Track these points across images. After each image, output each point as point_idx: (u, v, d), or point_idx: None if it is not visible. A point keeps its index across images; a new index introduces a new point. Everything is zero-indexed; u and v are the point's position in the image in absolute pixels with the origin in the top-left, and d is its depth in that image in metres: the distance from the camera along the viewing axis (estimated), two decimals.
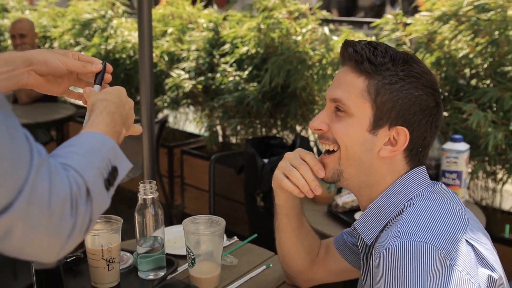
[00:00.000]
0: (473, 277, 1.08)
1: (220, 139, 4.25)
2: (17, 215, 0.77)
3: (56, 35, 5.27)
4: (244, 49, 3.74)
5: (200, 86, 3.96)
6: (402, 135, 1.22)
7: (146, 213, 1.66)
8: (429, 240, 1.08)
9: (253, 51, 3.71)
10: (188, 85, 3.93)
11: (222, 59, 3.93)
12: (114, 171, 0.96)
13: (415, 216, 1.16)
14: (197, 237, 1.60)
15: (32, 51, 1.23)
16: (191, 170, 4.30)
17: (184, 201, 4.39)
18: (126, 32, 4.59)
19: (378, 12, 13.34)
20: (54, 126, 4.77)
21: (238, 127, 3.91)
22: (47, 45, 5.51)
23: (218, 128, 4.16)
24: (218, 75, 3.83)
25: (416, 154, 1.26)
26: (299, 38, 3.46)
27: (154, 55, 4.11)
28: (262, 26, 3.64)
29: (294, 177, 1.36)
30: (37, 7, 6.10)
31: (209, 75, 3.95)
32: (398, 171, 1.26)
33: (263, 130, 3.88)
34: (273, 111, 3.75)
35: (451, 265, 1.07)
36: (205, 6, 4.51)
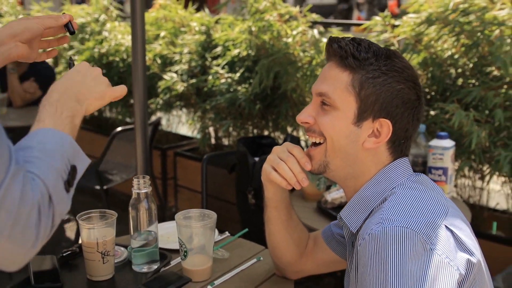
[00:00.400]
0: (452, 261, 1.14)
1: (213, 141, 4.30)
2: None
3: None
4: (235, 52, 3.80)
5: (192, 88, 4.02)
6: (385, 127, 1.28)
7: (140, 207, 1.71)
8: (410, 225, 1.14)
9: (245, 53, 3.77)
10: (180, 87, 3.99)
11: (214, 62, 3.98)
12: (73, 171, 1.00)
13: (397, 203, 1.22)
14: (190, 230, 1.65)
15: (10, 23, 1.30)
16: (184, 172, 4.35)
17: (178, 203, 4.43)
18: (120, 35, 4.64)
19: (346, 15, 13.72)
20: None
21: (230, 129, 3.96)
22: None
23: (211, 129, 4.21)
24: (210, 77, 3.89)
25: (399, 146, 1.32)
26: (290, 40, 3.53)
27: (147, 58, 4.17)
28: (253, 28, 3.71)
29: (281, 169, 1.41)
30: (31, 11, 6.13)
31: (202, 77, 4.00)
32: (382, 162, 1.32)
33: (255, 131, 3.93)
34: (264, 112, 3.80)
35: (431, 249, 1.12)
36: (197, 10, 4.57)
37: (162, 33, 4.35)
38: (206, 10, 4.46)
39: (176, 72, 4.13)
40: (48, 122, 1.03)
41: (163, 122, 4.90)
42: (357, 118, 1.29)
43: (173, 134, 4.88)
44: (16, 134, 4.56)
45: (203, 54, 4.09)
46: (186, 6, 4.59)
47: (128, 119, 4.93)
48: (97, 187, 3.77)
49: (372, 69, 1.27)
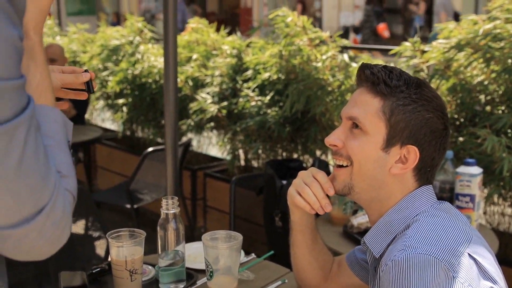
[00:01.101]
0: None
1: (242, 162, 4.35)
2: (35, 227, 0.87)
3: (85, 60, 5.45)
4: (266, 75, 3.85)
5: (224, 111, 4.08)
6: (413, 153, 1.31)
7: (168, 227, 1.75)
8: (433, 252, 1.15)
9: (275, 77, 3.82)
10: (213, 109, 4.05)
11: (245, 85, 4.04)
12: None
13: (420, 230, 1.23)
14: (216, 251, 1.68)
15: None
16: (214, 193, 4.39)
17: (206, 223, 4.47)
18: (153, 57, 4.75)
19: (343, 37, 13.85)
20: (81, 147, 4.91)
21: (260, 151, 4.00)
22: None
23: (241, 151, 4.26)
24: (240, 100, 3.95)
25: (424, 173, 1.34)
26: (319, 64, 3.56)
27: (179, 80, 4.25)
28: (283, 52, 3.76)
29: (305, 194, 1.44)
30: (68, 33, 6.31)
31: (232, 100, 4.06)
32: (407, 188, 1.34)
33: (284, 154, 3.97)
34: (293, 136, 3.84)
35: (453, 277, 1.13)
36: (229, 33, 4.65)
37: (194, 56, 4.44)
38: (238, 33, 4.54)
39: (208, 94, 4.20)
40: (50, 96, 1.04)
41: (194, 143, 4.96)
42: (386, 144, 1.31)
43: (203, 155, 4.94)
44: None
45: (234, 77, 4.16)
46: (218, 30, 4.67)
47: (159, 140, 5.01)
48: (128, 205, 3.83)
49: (403, 96, 1.30)
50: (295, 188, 1.48)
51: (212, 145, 4.88)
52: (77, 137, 4.44)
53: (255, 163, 4.29)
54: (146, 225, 4.38)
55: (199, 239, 3.98)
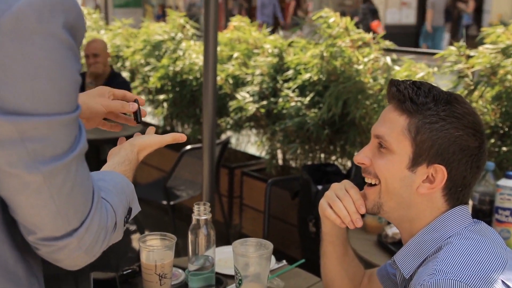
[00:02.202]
0: None
1: (281, 162, 4.33)
2: (76, 239, 0.96)
3: (128, 55, 5.51)
4: (306, 76, 3.82)
5: (263, 110, 4.06)
6: (440, 173, 1.26)
7: (199, 233, 1.74)
8: (463, 279, 1.11)
9: (316, 78, 3.78)
10: (252, 108, 4.04)
11: (285, 85, 4.01)
12: (129, 212, 1.14)
13: (451, 254, 1.19)
14: (245, 259, 1.67)
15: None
16: (250, 192, 4.39)
17: (242, 222, 4.47)
18: (194, 54, 4.76)
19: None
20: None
21: (298, 152, 3.97)
22: (119, 63, 5.77)
23: (279, 151, 4.24)
24: (280, 100, 3.92)
25: (455, 193, 1.29)
26: (361, 67, 3.51)
27: (219, 78, 4.26)
28: (325, 54, 3.71)
29: (337, 207, 1.41)
30: (112, 27, 6.39)
31: (272, 99, 4.04)
32: (437, 208, 1.30)
33: (322, 156, 3.93)
34: (332, 138, 3.80)
35: None
36: (271, 32, 4.63)
37: (235, 54, 4.43)
38: (280, 32, 4.51)
39: (247, 92, 4.19)
40: (118, 169, 1.19)
41: (233, 140, 4.97)
42: (412, 163, 1.27)
43: (242, 153, 4.94)
44: (90, 146, 4.74)
45: (275, 76, 4.13)
46: (261, 27, 4.65)
47: (199, 136, 5.03)
48: (164, 202, 3.86)
49: (430, 114, 1.25)
50: (326, 200, 1.45)
51: (251, 143, 4.87)
52: (117, 132, 4.48)
53: (293, 164, 4.27)
54: (182, 220, 4.42)
55: (234, 236, 4.02)
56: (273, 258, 2.02)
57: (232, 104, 4.18)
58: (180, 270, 1.89)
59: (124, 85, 4.82)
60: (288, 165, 4.29)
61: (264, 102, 4.05)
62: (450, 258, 1.17)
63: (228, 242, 4.02)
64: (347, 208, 1.40)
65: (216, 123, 3.05)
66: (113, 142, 4.58)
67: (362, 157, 1.35)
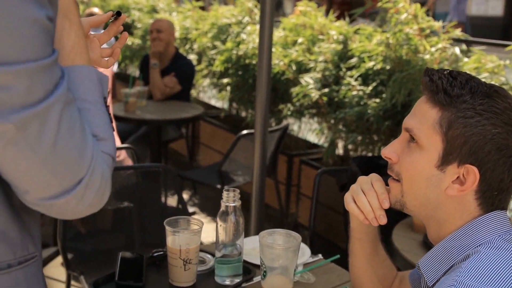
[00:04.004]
0: None
1: (342, 152, 4.21)
2: (76, 196, 0.94)
3: (195, 37, 5.51)
4: (370, 64, 3.67)
5: (325, 98, 3.95)
6: (472, 174, 1.13)
7: (227, 220, 1.69)
8: None
9: (379, 66, 3.63)
10: (314, 95, 3.93)
11: (348, 73, 3.88)
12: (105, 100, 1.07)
13: (476, 265, 1.06)
14: (271, 251, 1.60)
15: None
16: (308, 181, 4.29)
17: (298, 210, 4.39)
18: (258, 39, 4.68)
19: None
20: (184, 123, 4.99)
21: (358, 142, 3.84)
22: (187, 46, 5.78)
23: (339, 141, 4.12)
24: (342, 88, 3.80)
25: (490, 197, 1.15)
26: (427, 56, 3.34)
27: (282, 63, 4.17)
28: (391, 41, 3.56)
29: (360, 202, 1.31)
30: (182, 9, 6.42)
31: (334, 87, 3.92)
32: (469, 212, 1.17)
33: (382, 147, 3.78)
34: (393, 130, 3.64)
35: None
36: (338, 18, 4.49)
37: (300, 40, 4.33)
38: (347, 18, 4.37)
39: (310, 78, 4.09)
40: (85, 57, 1.05)
41: (295, 127, 4.88)
42: (442, 161, 1.15)
43: (303, 140, 4.85)
44: (152, 126, 4.76)
45: (339, 64, 4.01)
46: (327, 13, 4.53)
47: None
48: (218, 186, 3.84)
49: (465, 107, 1.12)
50: (351, 193, 1.35)
51: (312, 131, 4.77)
52: (178, 113, 4.51)
53: (354, 154, 4.14)
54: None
55: (289, 225, 3.95)
56: (308, 251, 1.95)
57: (295, 90, 4.09)
58: (210, 256, 1.84)
59: (188, 66, 4.84)
60: (347, 155, 4.16)
61: (326, 90, 3.94)
62: (474, 270, 1.05)
63: None
64: (371, 203, 1.30)
65: (269, 108, 2.97)
66: (175, 123, 4.62)
67: (389, 151, 1.24)
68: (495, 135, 1.11)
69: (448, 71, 1.18)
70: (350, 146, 4.08)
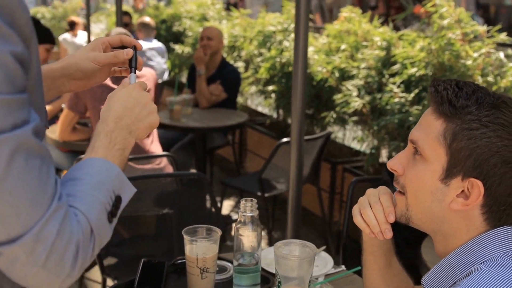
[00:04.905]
0: None
1: (385, 159, 4.15)
2: (23, 248, 0.87)
3: (243, 45, 5.55)
4: (412, 70, 3.61)
5: (367, 105, 3.91)
6: (476, 188, 1.10)
7: (245, 229, 1.70)
8: None
9: (422, 72, 3.57)
10: (358, 103, 3.89)
11: (391, 79, 3.83)
12: (117, 201, 1.02)
13: (474, 283, 1.03)
14: (286, 261, 1.60)
15: (67, 59, 1.30)
16: None
17: (341, 219, 4.35)
18: None
19: None
20: (229, 131, 5.03)
21: (400, 150, 3.77)
22: (235, 53, 5.84)
23: (383, 149, 4.06)
24: (385, 95, 3.75)
25: (497, 212, 1.12)
26: (470, 62, 3.25)
27: (324, 70, 4.15)
28: (433, 47, 3.49)
29: (366, 215, 1.30)
30: (231, 17, 6.48)
31: (376, 94, 3.87)
32: (475, 227, 1.14)
33: None
34: None
35: None
36: (382, 23, 4.43)
37: (343, 46, 4.30)
38: (390, 24, 4.31)
39: (352, 86, 4.05)
40: (101, 153, 1.06)
41: (340, 135, 4.84)
42: (445, 174, 1.12)
43: (348, 148, 4.80)
44: (197, 134, 4.80)
45: (381, 70, 3.96)
46: (372, 20, 4.48)
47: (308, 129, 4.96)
48: (259, 193, 3.85)
49: (470, 119, 1.09)
50: (359, 206, 1.34)
51: (355, 139, 4.72)
52: (223, 121, 4.55)
53: None
54: (280, 209, 4.39)
55: (332, 234, 3.92)
56: (331, 262, 1.93)
57: (337, 97, 4.06)
58: (230, 265, 1.85)
59: (234, 74, 4.88)
60: None
61: (368, 97, 3.89)
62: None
63: (325, 239, 3.94)
64: (377, 216, 1.28)
65: (307, 115, 2.96)
66: (220, 131, 4.66)
67: (395, 163, 1.22)
68: (501, 148, 1.07)
69: (455, 81, 1.15)
70: (393, 154, 4.02)
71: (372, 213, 1.29)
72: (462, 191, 1.12)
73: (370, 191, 1.34)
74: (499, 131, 1.08)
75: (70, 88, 1.33)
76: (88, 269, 3.58)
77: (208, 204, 3.84)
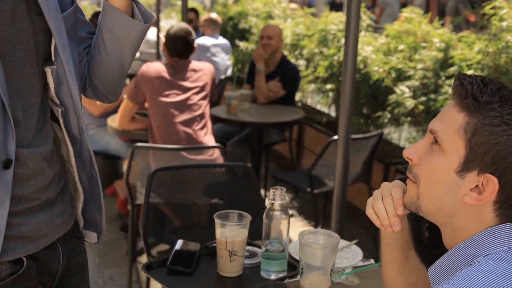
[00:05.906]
0: None
1: None
2: None
3: (304, 44, 5.61)
4: (468, 72, 3.56)
5: (421, 107, 3.89)
6: (491, 184, 1.11)
7: (273, 216, 1.77)
8: None
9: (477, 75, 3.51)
10: (410, 104, 3.89)
11: (447, 81, 3.79)
12: None
13: (470, 276, 1.05)
14: (309, 249, 1.66)
15: None
16: None
17: None
18: (360, 45, 4.69)
19: None
20: (285, 127, 5.09)
21: None
22: (297, 52, 5.89)
23: None
24: (440, 97, 3.72)
25: (509, 209, 1.13)
26: None
27: (381, 70, 4.16)
28: (490, 49, 3.44)
29: (376, 207, 1.33)
30: (295, 16, 6.53)
31: (432, 96, 3.85)
32: (486, 223, 1.15)
33: None
34: None
35: None
36: (443, 25, 4.39)
37: (401, 47, 4.29)
38: (450, 25, 4.26)
39: (407, 87, 4.04)
40: None
41: (395, 135, 4.82)
42: (462, 167, 1.14)
43: (402, 149, 4.77)
44: (253, 129, 4.86)
45: (438, 72, 3.93)
46: (432, 21, 4.44)
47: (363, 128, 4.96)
48: (308, 189, 3.91)
49: (492, 115, 1.10)
50: (372, 198, 1.38)
51: (408, 140, 4.69)
52: (279, 117, 4.60)
53: None
54: (328, 205, 4.41)
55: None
56: (360, 254, 1.97)
57: (391, 98, 4.06)
58: (260, 251, 1.93)
59: (293, 71, 4.93)
60: None
61: (423, 98, 3.87)
62: (465, 280, 1.04)
63: (374, 238, 3.93)
64: (387, 209, 1.31)
65: (352, 115, 2.99)
66: (276, 126, 4.74)
67: (411, 152, 1.23)
68: None
69: (480, 77, 1.16)
70: None
71: (383, 206, 1.32)
72: (477, 185, 1.13)
73: (384, 185, 1.37)
74: None
75: None
76: (140, 253, 3.73)
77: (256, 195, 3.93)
